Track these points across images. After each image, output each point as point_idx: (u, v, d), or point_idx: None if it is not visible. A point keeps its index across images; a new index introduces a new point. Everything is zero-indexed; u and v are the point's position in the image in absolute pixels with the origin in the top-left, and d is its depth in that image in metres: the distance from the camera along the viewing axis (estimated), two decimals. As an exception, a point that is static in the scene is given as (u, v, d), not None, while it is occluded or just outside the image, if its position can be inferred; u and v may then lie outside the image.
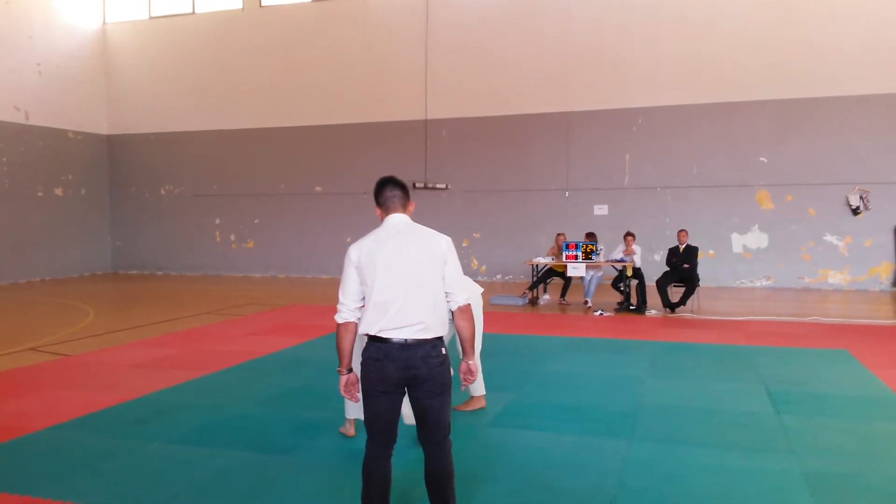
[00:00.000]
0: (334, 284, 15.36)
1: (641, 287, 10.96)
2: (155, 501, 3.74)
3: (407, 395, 3.03)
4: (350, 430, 4.87)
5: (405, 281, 2.94)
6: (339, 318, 3.06)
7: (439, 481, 3.05)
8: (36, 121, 16.72)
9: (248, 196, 17.78)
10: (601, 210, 15.16)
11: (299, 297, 13.15)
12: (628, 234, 11.19)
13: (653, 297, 11.10)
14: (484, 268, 16.10)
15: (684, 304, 10.79)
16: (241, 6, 17.60)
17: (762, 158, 14.29)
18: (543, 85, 15.40)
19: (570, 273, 11.34)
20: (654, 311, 10.74)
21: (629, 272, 10.96)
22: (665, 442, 4.67)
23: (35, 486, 3.96)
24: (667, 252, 11.39)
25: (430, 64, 16.11)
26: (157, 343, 8.45)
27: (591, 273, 11.48)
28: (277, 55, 17.33)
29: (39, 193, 16.94)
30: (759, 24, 14.07)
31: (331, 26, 16.92)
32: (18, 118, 16.29)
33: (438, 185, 16.10)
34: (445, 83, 16.05)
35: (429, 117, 16.25)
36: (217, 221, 18.06)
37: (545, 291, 12.46)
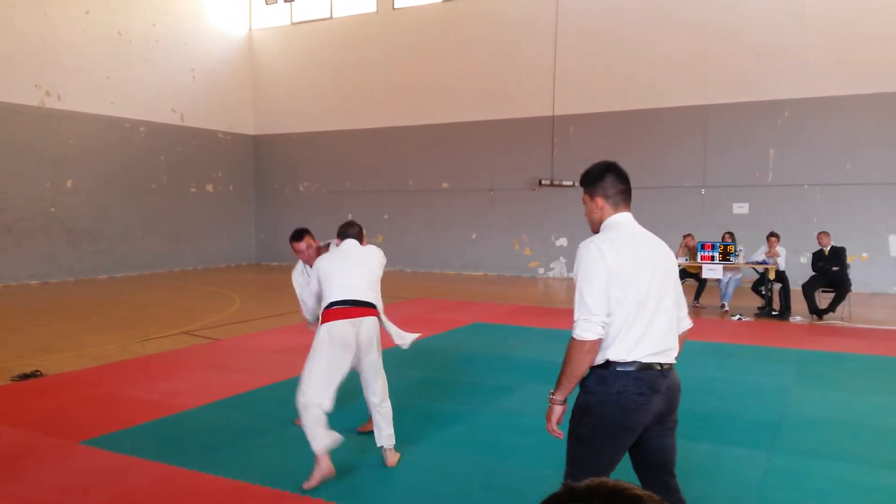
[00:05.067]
0: (460, 280, 15.62)
1: (785, 291, 10.29)
2: (295, 479, 3.95)
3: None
4: (328, 466, 3.97)
5: (659, 295, 2.46)
6: (591, 332, 2.36)
7: None
8: (190, 122, 18.11)
9: (378, 192, 18.35)
10: (741, 209, 14.35)
11: (426, 292, 13.42)
12: (772, 234, 10.54)
13: (798, 302, 10.40)
14: (612, 267, 15.69)
15: (833, 311, 10.01)
16: (375, 9, 18.18)
17: (927, 153, 12.99)
18: (679, 76, 14.79)
19: (705, 275, 10.83)
20: (798, 318, 10.05)
21: (772, 275, 10.31)
22: (811, 455, 4.37)
23: (189, 459, 4.30)
24: (812, 256, 10.62)
25: (558, 58, 15.91)
26: (296, 331, 8.92)
27: (729, 275, 10.92)
28: (409, 55, 17.75)
29: (192, 189, 18.33)
30: (928, 6, 12.79)
31: (461, 25, 17.11)
32: (175, 120, 17.72)
33: (565, 183, 15.88)
34: (574, 78, 15.80)
35: (556, 113, 16.06)
36: (349, 217, 18.74)
37: (677, 293, 11.97)
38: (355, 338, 4.14)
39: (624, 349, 2.38)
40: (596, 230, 2.59)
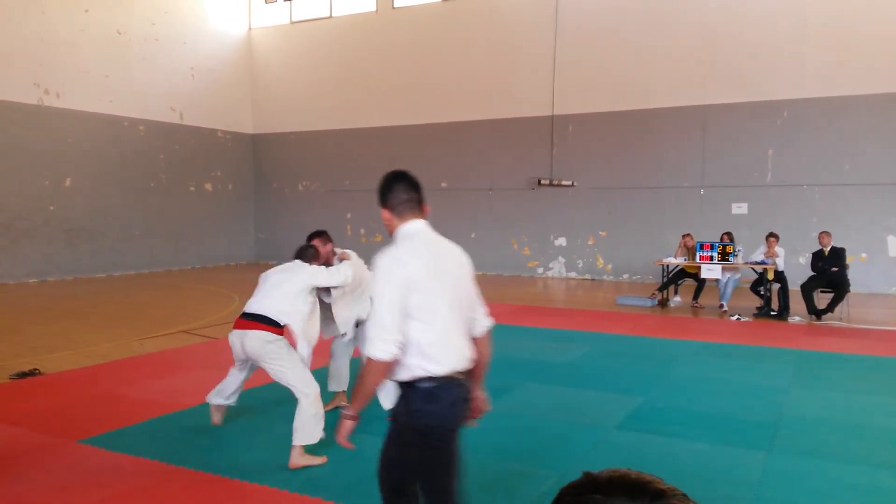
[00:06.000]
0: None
1: (784, 291, 10.29)
2: (295, 478, 3.95)
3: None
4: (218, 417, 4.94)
5: (459, 303, 2.47)
6: (386, 353, 2.30)
7: None
8: (189, 121, 18.09)
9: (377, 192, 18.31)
10: (740, 209, 14.36)
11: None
12: (771, 234, 10.54)
13: (796, 302, 10.40)
14: (610, 266, 15.73)
15: (832, 311, 10.01)
16: (374, 8, 18.17)
17: (926, 154, 12.99)
18: (678, 76, 14.78)
19: (704, 275, 10.84)
20: (797, 318, 10.06)
21: (770, 275, 10.32)
22: (809, 456, 4.37)
23: (187, 458, 4.30)
24: (811, 256, 10.63)
25: (557, 58, 15.91)
26: (293, 330, 8.91)
27: (728, 275, 10.92)
28: (408, 55, 17.75)
29: (191, 188, 18.32)
30: (927, 7, 12.79)
31: (460, 24, 17.11)
32: (174, 118, 17.70)
33: (564, 182, 15.89)
34: (573, 77, 15.79)
35: (555, 113, 16.06)
36: (348, 216, 18.77)
37: (676, 293, 11.99)
38: (240, 347, 4.54)
39: (446, 361, 2.36)
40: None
